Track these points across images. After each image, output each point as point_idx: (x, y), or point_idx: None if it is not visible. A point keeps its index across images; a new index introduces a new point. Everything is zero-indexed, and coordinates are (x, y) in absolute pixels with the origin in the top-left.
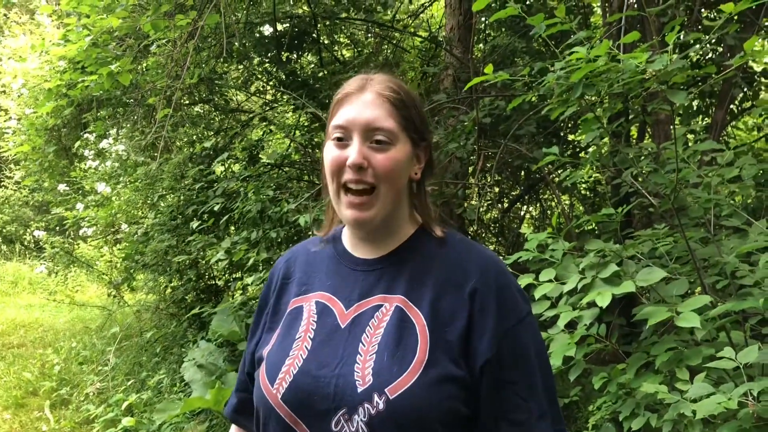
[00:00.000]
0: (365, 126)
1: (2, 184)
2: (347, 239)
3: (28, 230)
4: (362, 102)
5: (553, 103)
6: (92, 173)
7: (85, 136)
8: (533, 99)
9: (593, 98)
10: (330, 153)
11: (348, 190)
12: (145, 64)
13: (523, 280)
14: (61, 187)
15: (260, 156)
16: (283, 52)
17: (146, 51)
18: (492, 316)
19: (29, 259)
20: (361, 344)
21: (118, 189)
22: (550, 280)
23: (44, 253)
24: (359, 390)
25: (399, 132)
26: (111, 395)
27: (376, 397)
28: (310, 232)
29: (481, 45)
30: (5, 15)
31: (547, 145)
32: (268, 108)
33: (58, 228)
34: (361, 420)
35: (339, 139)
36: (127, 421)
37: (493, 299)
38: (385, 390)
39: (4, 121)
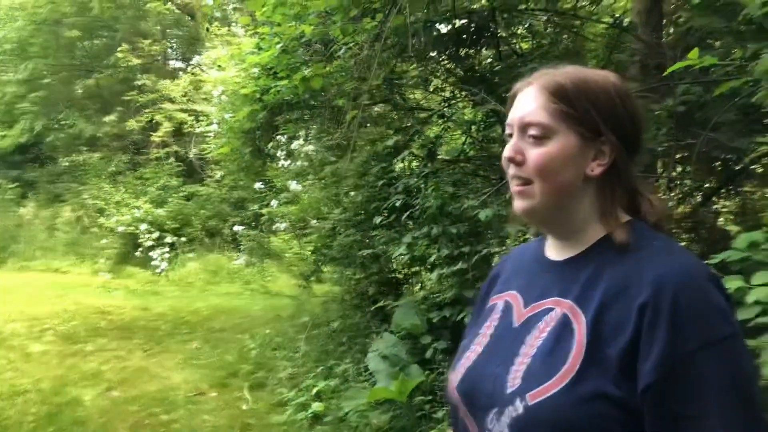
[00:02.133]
0: (519, 122)
1: (205, 182)
2: (549, 239)
3: (227, 225)
4: (522, 97)
5: (766, 89)
6: (284, 172)
7: (277, 137)
8: (739, 84)
9: None
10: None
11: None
12: (329, 68)
13: (733, 283)
14: (257, 185)
15: (438, 153)
16: (461, 49)
17: (332, 55)
18: (663, 336)
19: (228, 251)
20: (523, 345)
21: (307, 187)
22: (765, 284)
23: (241, 246)
24: (507, 391)
25: (557, 125)
26: (302, 380)
27: (518, 401)
28: (490, 229)
29: (671, 29)
30: (207, 28)
31: (749, 134)
32: (446, 105)
33: (253, 223)
34: (506, 421)
35: (509, 136)
36: (317, 406)
37: (667, 316)
38: (527, 395)
39: (207, 125)
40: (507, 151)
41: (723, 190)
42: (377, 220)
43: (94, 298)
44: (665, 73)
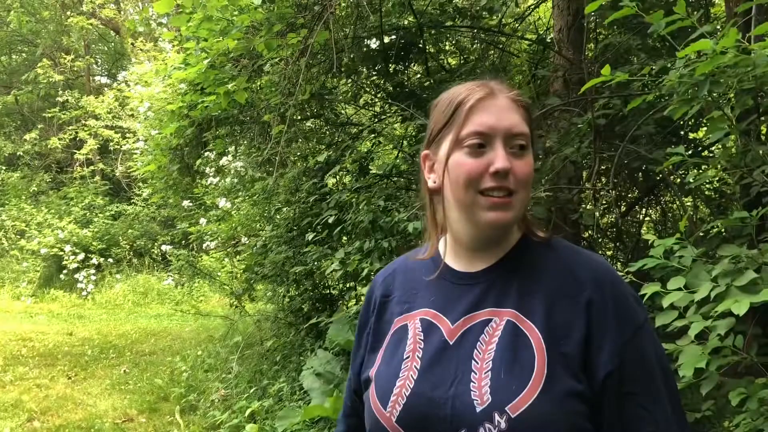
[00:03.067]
0: (507, 132)
1: (132, 201)
2: (448, 253)
3: (156, 244)
4: (499, 108)
5: (675, 102)
6: (213, 189)
7: (206, 154)
8: (653, 98)
9: (719, 95)
10: (465, 161)
11: (487, 194)
12: (258, 83)
13: (649, 288)
14: (185, 203)
15: (370, 167)
16: (390, 64)
17: (260, 70)
18: (611, 327)
19: (157, 271)
20: (473, 362)
21: (237, 204)
22: (679, 289)
23: (171, 266)
24: (478, 410)
25: (530, 138)
26: (235, 402)
27: (497, 417)
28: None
29: (591, 45)
30: (132, 44)
31: (667, 145)
32: (376, 120)
33: (183, 242)
34: None
35: (479, 146)
36: (250, 428)
37: (611, 309)
38: (506, 408)
39: (133, 142)
40: (503, 163)
41: (645, 200)
42: (309, 236)
43: (15, 324)
44: (582, 89)
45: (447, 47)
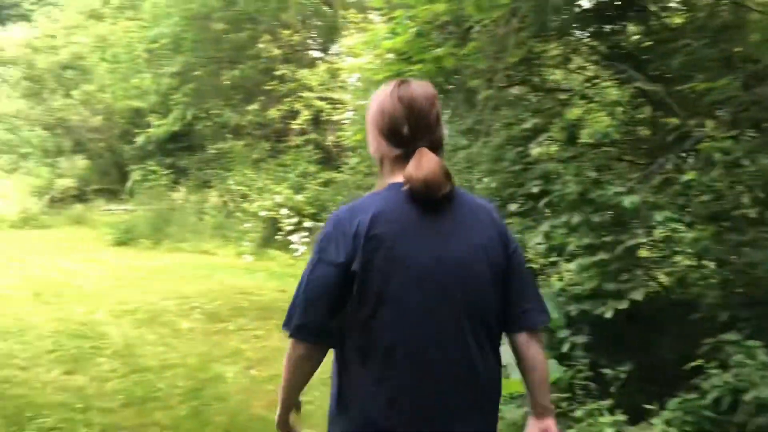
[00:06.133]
0: None
1: (341, 169)
2: None
3: None
4: None
5: None
6: None
7: None
8: None
9: None
10: None
11: None
12: (463, 51)
13: None
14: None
15: (578, 136)
16: (605, 24)
17: (467, 37)
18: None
19: None
20: None
21: None
22: None
23: None
24: None
25: None
26: None
27: None
28: (636, 218)
29: None
30: (343, 18)
31: None
32: (588, 85)
33: None
34: None
35: None
36: None
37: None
38: None
39: (343, 113)
40: None
41: None
42: (512, 207)
43: (237, 279)
44: None
45: (671, 4)
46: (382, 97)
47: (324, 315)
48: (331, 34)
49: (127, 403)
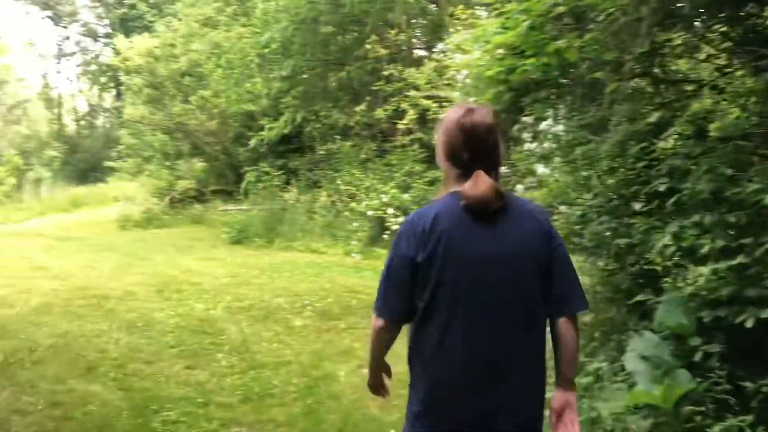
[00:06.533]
0: None
1: None
2: None
3: None
4: None
5: None
6: (529, 155)
7: (523, 119)
8: None
9: None
10: None
11: None
12: (579, 43)
13: None
14: (501, 169)
15: (708, 130)
16: (739, 7)
17: (584, 27)
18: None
19: None
20: None
21: (556, 170)
22: None
23: None
24: None
25: None
26: (550, 375)
27: None
28: None
29: None
30: (450, 14)
31: None
32: (719, 75)
33: None
34: None
35: None
36: None
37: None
38: None
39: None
40: None
41: None
42: (636, 206)
43: (346, 277)
44: None
45: None
46: (448, 123)
47: (398, 299)
48: (436, 31)
49: (244, 399)
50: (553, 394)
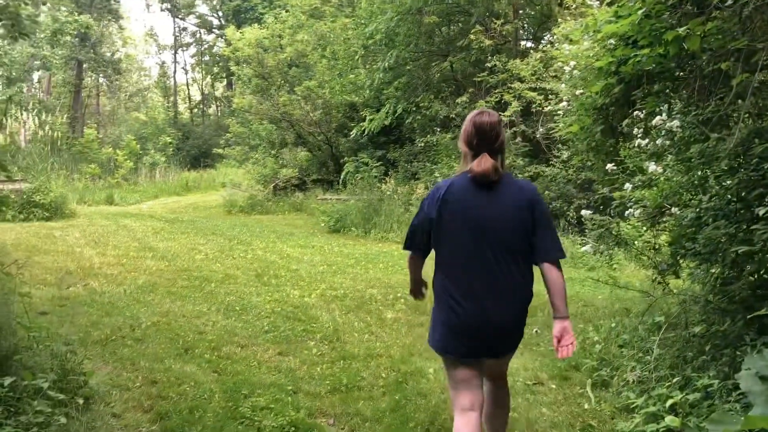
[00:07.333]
0: None
1: (551, 163)
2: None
3: (572, 207)
4: None
5: None
6: (639, 152)
7: (634, 113)
8: None
9: None
10: None
11: None
12: (701, 31)
13: None
14: (608, 166)
15: None
16: None
17: (708, 14)
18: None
19: (572, 234)
20: None
21: (669, 168)
22: None
23: (586, 231)
24: None
25: None
26: (652, 387)
27: None
28: None
29: None
30: (559, 3)
31: None
32: None
33: (601, 207)
34: None
35: None
36: (670, 420)
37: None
38: None
39: (555, 104)
40: None
41: None
42: (760, 211)
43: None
44: None
45: None
46: (467, 120)
47: (419, 241)
48: (544, 22)
49: (332, 390)
50: (554, 325)
